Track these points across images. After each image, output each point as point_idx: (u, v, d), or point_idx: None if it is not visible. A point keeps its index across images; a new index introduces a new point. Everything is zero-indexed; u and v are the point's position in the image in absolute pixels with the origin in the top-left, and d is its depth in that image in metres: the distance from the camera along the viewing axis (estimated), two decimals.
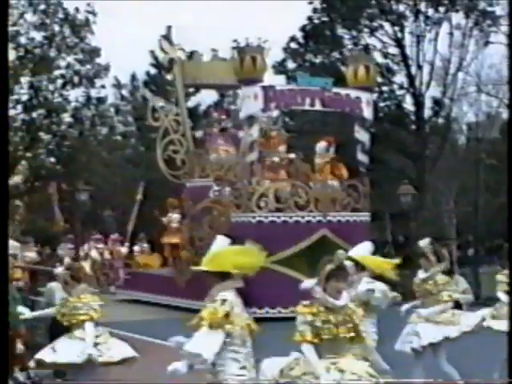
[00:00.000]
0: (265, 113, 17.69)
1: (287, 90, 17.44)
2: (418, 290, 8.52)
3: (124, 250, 22.11)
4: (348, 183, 17.49)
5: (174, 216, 19.49)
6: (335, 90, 17.60)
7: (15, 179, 22.72)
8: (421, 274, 8.50)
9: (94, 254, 21.05)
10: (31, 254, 19.12)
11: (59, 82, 28.77)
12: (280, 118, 19.85)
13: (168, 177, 19.44)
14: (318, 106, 17.42)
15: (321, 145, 17.69)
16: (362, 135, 17.90)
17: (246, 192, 16.56)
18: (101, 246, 22.54)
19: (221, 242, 6.35)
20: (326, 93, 17.20)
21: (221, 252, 6.18)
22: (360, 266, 7.85)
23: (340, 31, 29.28)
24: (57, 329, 8.55)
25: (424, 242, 8.58)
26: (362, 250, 8.16)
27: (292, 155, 18.21)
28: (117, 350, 7.95)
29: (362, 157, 17.89)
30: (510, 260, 5.33)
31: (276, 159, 17.49)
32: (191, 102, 34.00)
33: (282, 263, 16.03)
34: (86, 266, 8.54)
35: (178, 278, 17.87)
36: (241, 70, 16.72)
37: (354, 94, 17.58)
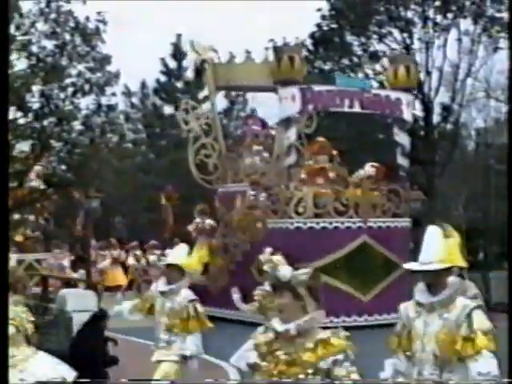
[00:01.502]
0: (302, 115, 17.19)
1: (325, 91, 16.73)
2: None
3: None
4: (388, 188, 16.92)
5: (207, 222, 18.61)
6: (375, 91, 17.11)
7: (33, 184, 22.65)
8: None
9: (131, 260, 20.85)
10: (63, 262, 19.21)
11: (70, 90, 28.90)
12: (315, 120, 19.25)
13: (200, 182, 18.76)
14: (357, 108, 16.84)
15: (368, 169, 16.86)
16: (401, 138, 17.29)
17: (284, 197, 16.01)
18: (138, 252, 22.11)
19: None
20: (365, 94, 16.66)
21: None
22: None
23: (349, 38, 29.41)
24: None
25: None
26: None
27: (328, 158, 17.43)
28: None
29: (402, 160, 17.31)
30: (509, 259, 5.44)
31: (313, 163, 16.82)
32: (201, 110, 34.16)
33: (322, 271, 15.18)
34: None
35: (210, 286, 16.90)
36: (278, 70, 16.15)
37: (394, 95, 16.99)
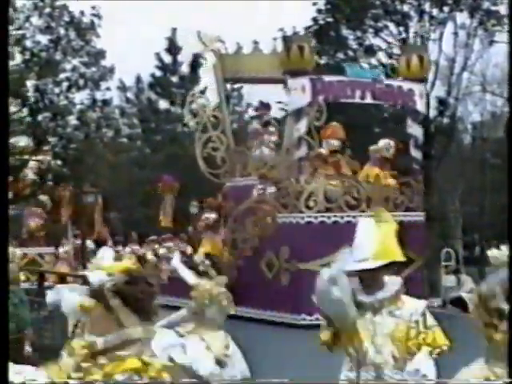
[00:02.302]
0: (312, 106, 16.64)
1: (336, 81, 16.26)
2: None
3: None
4: (401, 181, 16.41)
5: (212, 216, 18.01)
6: (387, 81, 16.53)
7: (28, 177, 22.43)
8: None
9: (150, 255, 20.24)
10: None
11: (65, 84, 28.86)
12: (325, 112, 18.54)
13: (207, 176, 18.19)
14: (368, 99, 16.36)
15: (386, 142, 16.61)
16: (415, 130, 16.82)
17: (294, 191, 15.44)
18: (157, 246, 21.09)
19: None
20: (377, 85, 16.11)
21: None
22: None
23: (345, 32, 29.33)
24: None
25: None
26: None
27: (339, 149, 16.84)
28: None
29: (415, 153, 16.81)
30: (510, 259, 5.30)
31: (323, 151, 16.22)
32: (196, 104, 34.10)
33: None
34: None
35: None
36: (287, 60, 15.61)
37: (406, 86, 16.43)
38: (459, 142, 32.29)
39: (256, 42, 18.54)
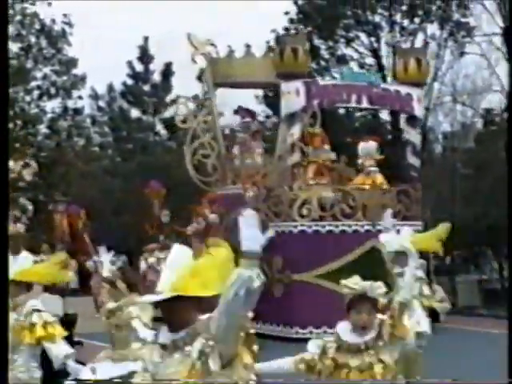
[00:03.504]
0: (307, 111, 15.99)
1: (331, 85, 15.87)
2: None
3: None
4: (398, 189, 15.86)
5: (201, 225, 17.30)
6: (384, 85, 16.23)
7: None
8: None
9: (143, 264, 19.70)
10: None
11: (36, 93, 28.72)
12: (319, 117, 18.05)
13: (198, 183, 17.64)
14: (364, 104, 15.97)
15: (368, 145, 16.13)
16: (412, 136, 16.43)
17: (287, 198, 14.91)
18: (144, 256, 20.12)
19: None
20: (373, 89, 15.69)
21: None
22: None
23: (316, 42, 29.44)
24: None
25: None
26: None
27: (334, 156, 16.39)
28: None
29: (412, 159, 16.43)
30: (510, 259, 5.35)
31: (317, 158, 15.78)
32: (168, 113, 34.05)
33: (328, 277, 14.32)
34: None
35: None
36: (280, 62, 15.12)
37: (404, 90, 15.98)
38: (430, 151, 32.46)
39: (248, 46, 17.89)
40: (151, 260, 19.16)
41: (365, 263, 14.32)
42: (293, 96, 15.09)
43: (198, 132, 17.65)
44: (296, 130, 15.31)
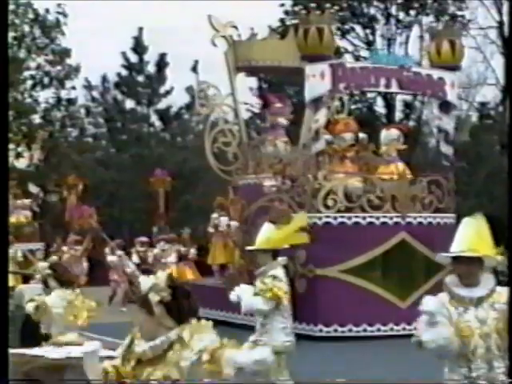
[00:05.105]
0: (333, 95, 15.09)
1: (359, 68, 14.82)
2: None
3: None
4: (429, 179, 14.93)
5: (222, 219, 16.64)
6: (415, 69, 15.06)
7: None
8: None
9: (135, 258, 19.13)
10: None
11: (29, 83, 28.60)
12: (346, 102, 16.88)
13: (218, 172, 16.67)
14: (394, 88, 14.97)
15: (391, 132, 15.38)
16: (445, 123, 15.43)
17: (311, 188, 13.94)
18: (142, 249, 19.57)
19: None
20: (404, 72, 14.62)
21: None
22: None
23: None
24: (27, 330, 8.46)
25: None
26: None
27: (362, 141, 15.31)
28: None
29: (445, 148, 15.48)
30: (509, 259, 5.32)
31: (342, 145, 14.65)
32: (162, 104, 33.98)
33: (354, 273, 13.66)
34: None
35: (228, 289, 14.89)
36: (305, 43, 14.04)
37: (436, 74, 14.93)
38: (424, 145, 32.46)
39: (273, 29, 16.69)
40: (156, 251, 18.69)
41: (393, 257, 13.75)
42: (317, 79, 13.99)
43: (219, 118, 16.70)
44: (321, 116, 14.21)
